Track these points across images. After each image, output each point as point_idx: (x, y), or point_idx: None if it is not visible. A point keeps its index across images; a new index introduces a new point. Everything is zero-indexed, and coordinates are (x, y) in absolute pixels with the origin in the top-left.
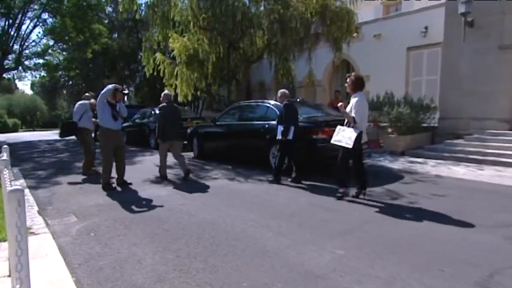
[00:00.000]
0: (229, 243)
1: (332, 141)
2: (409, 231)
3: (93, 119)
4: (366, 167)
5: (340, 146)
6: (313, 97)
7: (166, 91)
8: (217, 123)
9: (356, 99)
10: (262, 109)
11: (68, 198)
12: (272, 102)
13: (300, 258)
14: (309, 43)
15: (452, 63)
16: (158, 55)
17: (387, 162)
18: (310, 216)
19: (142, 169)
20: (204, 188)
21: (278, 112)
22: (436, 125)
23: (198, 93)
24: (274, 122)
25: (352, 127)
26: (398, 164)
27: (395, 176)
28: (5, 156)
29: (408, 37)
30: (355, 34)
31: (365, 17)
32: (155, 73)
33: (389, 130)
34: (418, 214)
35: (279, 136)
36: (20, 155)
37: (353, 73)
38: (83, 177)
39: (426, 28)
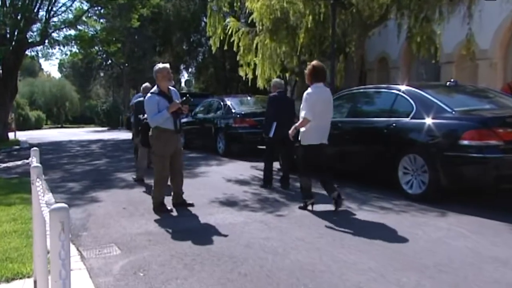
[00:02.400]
0: None
1: None
2: None
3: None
4: None
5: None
6: (472, 77)
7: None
8: None
9: (307, 91)
10: (387, 99)
11: (108, 221)
12: (403, 87)
13: None
14: None
15: None
16: (230, 20)
17: None
18: (471, 272)
19: (207, 185)
20: (296, 216)
21: (413, 103)
22: None
23: (287, 75)
24: (407, 119)
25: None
26: None
27: None
28: (35, 161)
29: None
30: None
31: None
32: (225, 47)
33: None
34: None
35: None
36: (46, 160)
37: (314, 61)
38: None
39: None
